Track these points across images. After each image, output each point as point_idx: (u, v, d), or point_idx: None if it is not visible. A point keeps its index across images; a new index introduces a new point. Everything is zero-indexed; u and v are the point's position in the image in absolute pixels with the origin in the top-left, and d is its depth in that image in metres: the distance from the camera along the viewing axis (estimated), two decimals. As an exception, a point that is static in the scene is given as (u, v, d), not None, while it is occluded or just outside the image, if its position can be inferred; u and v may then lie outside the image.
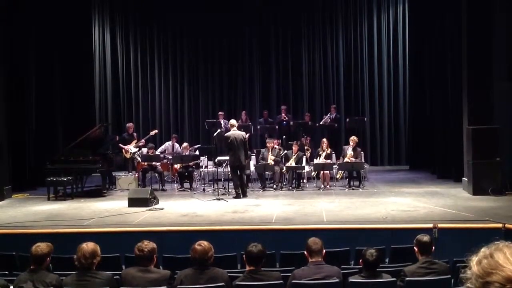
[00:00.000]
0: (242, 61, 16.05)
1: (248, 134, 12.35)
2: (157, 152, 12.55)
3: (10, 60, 11.55)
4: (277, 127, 13.93)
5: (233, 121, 11.05)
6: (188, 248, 4.67)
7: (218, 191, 10.63)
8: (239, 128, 11.09)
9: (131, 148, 12.58)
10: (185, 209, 9.42)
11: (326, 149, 11.97)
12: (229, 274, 4.66)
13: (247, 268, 4.63)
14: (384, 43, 15.38)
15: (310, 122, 13.92)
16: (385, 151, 15.43)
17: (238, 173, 10.58)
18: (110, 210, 9.43)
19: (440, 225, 7.32)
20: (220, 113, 14.39)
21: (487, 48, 10.29)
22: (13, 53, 11.67)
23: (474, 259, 1.43)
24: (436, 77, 12.83)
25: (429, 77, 13.37)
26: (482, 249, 1.45)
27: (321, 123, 14.16)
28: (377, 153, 15.44)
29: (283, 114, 14.05)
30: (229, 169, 10.82)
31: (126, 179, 11.90)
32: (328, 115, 14.31)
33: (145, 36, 15.95)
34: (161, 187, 11.84)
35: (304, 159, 11.89)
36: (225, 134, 10.81)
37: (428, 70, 13.41)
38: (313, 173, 12.02)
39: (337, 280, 4.60)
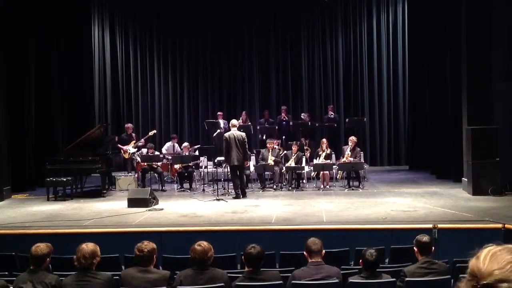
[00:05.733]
0: (242, 61, 16.05)
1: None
2: (163, 151, 12.71)
3: (10, 60, 11.54)
4: (277, 127, 13.93)
5: (234, 121, 11.04)
6: (187, 249, 4.67)
7: (217, 191, 10.62)
8: (239, 129, 11.08)
9: (130, 148, 12.58)
10: (185, 210, 9.42)
11: (325, 149, 11.97)
12: (228, 275, 4.66)
13: (246, 269, 4.63)
14: (383, 43, 15.40)
15: (310, 123, 13.92)
16: (385, 151, 15.45)
17: (238, 173, 10.58)
18: (110, 211, 9.42)
19: (439, 225, 7.32)
20: (219, 113, 14.39)
21: (486, 48, 10.30)
22: (13, 53, 11.66)
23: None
24: (435, 77, 12.83)
25: (428, 77, 13.37)
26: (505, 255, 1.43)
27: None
28: (377, 153, 15.45)
29: (283, 114, 14.05)
30: (228, 170, 10.81)
31: (126, 180, 11.89)
32: (328, 115, 14.33)
33: (145, 36, 15.96)
34: (160, 188, 11.83)
35: (303, 159, 11.89)
36: (224, 134, 10.81)
37: (428, 70, 13.41)
38: (312, 173, 12.02)
39: (337, 281, 4.60)
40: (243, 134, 10.75)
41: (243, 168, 10.77)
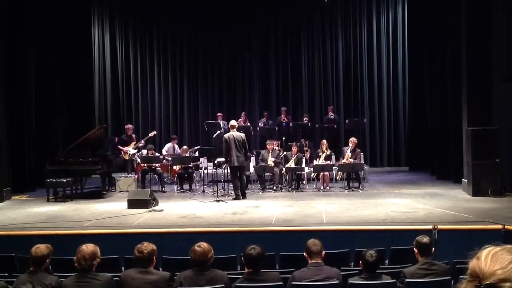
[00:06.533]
0: (242, 62, 16.05)
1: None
2: (163, 152, 12.70)
3: (10, 60, 11.53)
4: (277, 128, 13.92)
5: (233, 122, 11.04)
6: (187, 250, 4.67)
7: (217, 192, 10.61)
8: (238, 130, 11.08)
9: (130, 149, 12.57)
10: (185, 211, 9.41)
11: (325, 150, 11.96)
12: (228, 276, 4.66)
13: (246, 270, 4.63)
14: (383, 44, 15.40)
15: (309, 124, 13.93)
16: (385, 152, 15.44)
17: (238, 174, 10.58)
18: (110, 212, 9.42)
19: (439, 226, 7.31)
20: (219, 114, 14.39)
21: (486, 49, 10.30)
22: (13, 53, 11.66)
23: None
24: (435, 78, 12.83)
25: (428, 78, 13.37)
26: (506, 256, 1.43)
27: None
28: (377, 154, 15.44)
29: (283, 116, 14.04)
30: (228, 171, 10.81)
31: (126, 181, 11.89)
32: (328, 115, 14.33)
33: (145, 36, 15.96)
34: (160, 189, 11.82)
35: (303, 160, 11.89)
36: (224, 135, 10.82)
37: (428, 71, 13.41)
38: (312, 174, 12.02)
39: (337, 282, 4.60)
40: (243, 135, 10.75)
41: (243, 169, 10.78)
